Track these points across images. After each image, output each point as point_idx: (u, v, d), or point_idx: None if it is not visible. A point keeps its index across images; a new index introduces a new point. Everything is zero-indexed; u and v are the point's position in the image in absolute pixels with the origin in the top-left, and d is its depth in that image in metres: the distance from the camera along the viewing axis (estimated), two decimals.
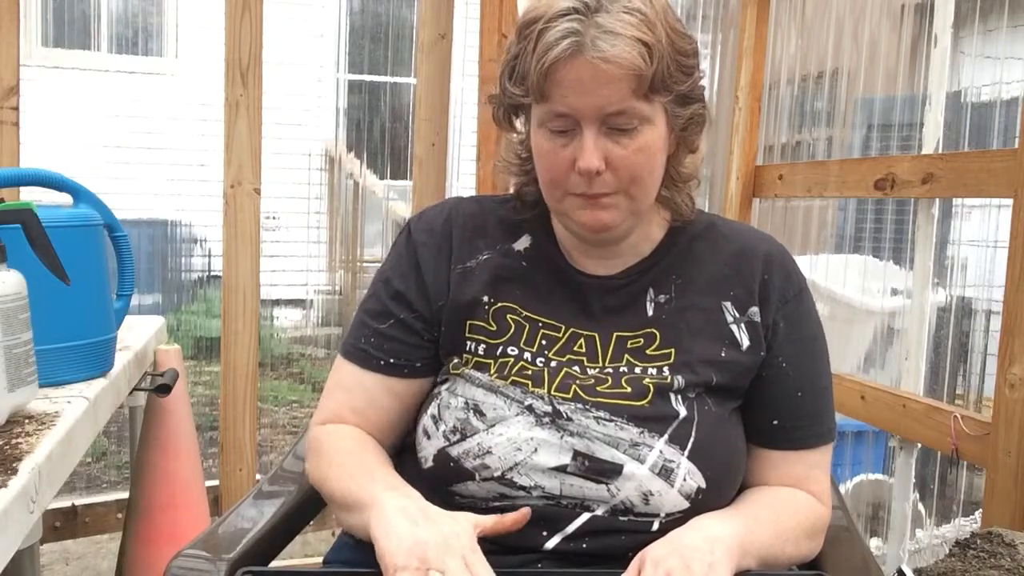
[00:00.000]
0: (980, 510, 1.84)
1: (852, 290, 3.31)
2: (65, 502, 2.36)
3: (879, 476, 2.94)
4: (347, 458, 1.04)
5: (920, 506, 2.74)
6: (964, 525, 2.75)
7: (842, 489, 2.64)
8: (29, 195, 1.56)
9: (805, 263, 3.31)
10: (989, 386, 2.87)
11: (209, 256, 6.08)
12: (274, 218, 5.42)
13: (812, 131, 3.25)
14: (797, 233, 3.23)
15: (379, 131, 6.58)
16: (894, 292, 3.28)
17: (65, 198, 1.37)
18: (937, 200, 2.06)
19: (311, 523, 1.30)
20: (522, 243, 1.09)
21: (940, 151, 2.05)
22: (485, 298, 1.05)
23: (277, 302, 5.87)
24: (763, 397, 1.04)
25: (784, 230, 3.17)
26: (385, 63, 6.95)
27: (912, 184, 2.00)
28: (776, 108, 3.07)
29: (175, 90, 6.29)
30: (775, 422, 1.04)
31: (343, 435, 1.08)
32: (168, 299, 5.95)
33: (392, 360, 1.07)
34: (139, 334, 1.76)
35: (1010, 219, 1.67)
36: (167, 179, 5.81)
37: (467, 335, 1.05)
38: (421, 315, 1.07)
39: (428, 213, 1.13)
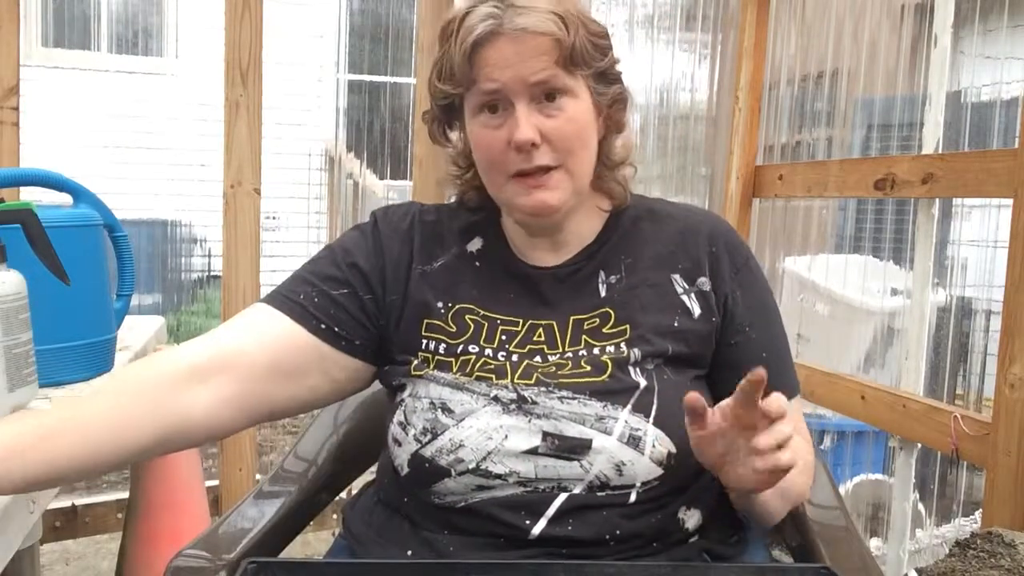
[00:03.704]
0: (980, 510, 1.84)
1: (852, 290, 3.30)
2: (65, 502, 2.36)
3: (879, 476, 2.94)
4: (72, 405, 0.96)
5: (920, 506, 2.74)
6: (964, 525, 2.75)
7: (842, 489, 2.64)
8: (29, 195, 1.56)
9: (805, 263, 3.31)
10: (989, 386, 2.87)
11: (209, 256, 6.08)
12: (274, 218, 5.41)
13: (812, 131, 3.25)
14: (797, 233, 3.23)
15: (379, 131, 6.57)
16: (894, 292, 3.28)
17: (65, 198, 1.37)
18: (937, 200, 2.06)
19: (311, 523, 1.30)
20: (474, 245, 1.12)
21: (940, 151, 2.05)
22: (440, 304, 1.07)
23: None
24: (732, 364, 1.06)
25: (784, 230, 3.17)
26: (385, 63, 6.94)
27: (912, 184, 2.00)
28: (776, 108, 3.06)
29: (175, 90, 6.28)
30: None
31: (126, 375, 1.04)
32: (168, 299, 5.94)
33: (336, 328, 1.05)
34: (139, 334, 1.76)
35: (1010, 219, 1.67)
36: (167, 179, 5.80)
37: (423, 333, 1.06)
38: (375, 299, 1.08)
39: (394, 211, 1.15)
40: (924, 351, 2.12)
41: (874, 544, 2.60)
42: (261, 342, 1.02)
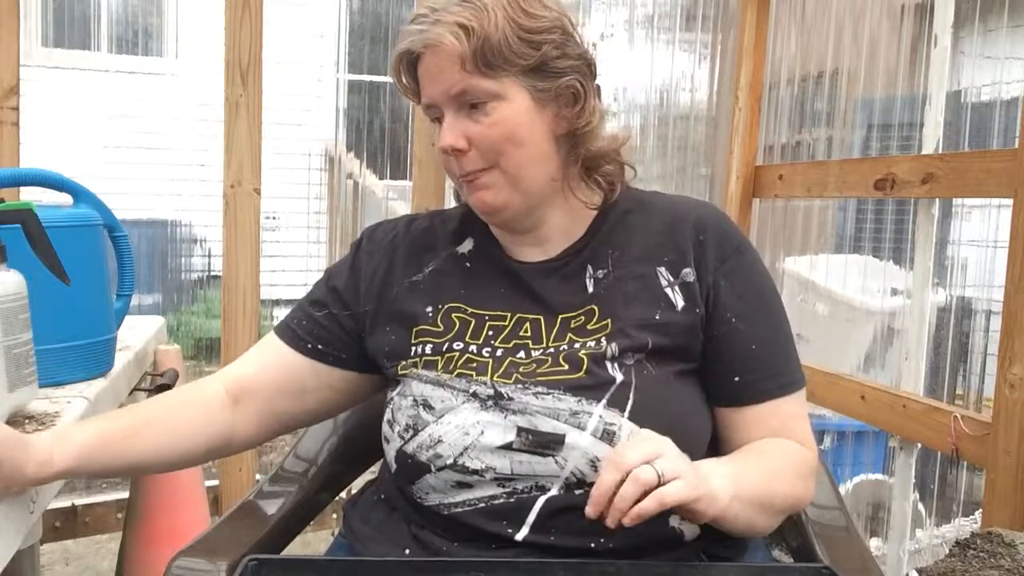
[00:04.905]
0: (980, 510, 1.84)
1: (852, 290, 3.30)
2: (65, 502, 2.36)
3: (879, 476, 2.94)
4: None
5: (920, 506, 2.73)
6: (964, 525, 2.75)
7: (842, 489, 2.64)
8: (29, 195, 1.56)
9: (805, 263, 3.31)
10: (989, 386, 2.87)
11: (209, 256, 6.07)
12: (274, 218, 5.40)
13: (812, 131, 3.25)
14: (797, 233, 3.23)
15: (379, 131, 6.57)
16: (894, 292, 3.28)
17: (65, 198, 1.37)
18: (937, 200, 2.06)
19: (311, 523, 1.30)
20: (465, 246, 1.14)
21: (940, 151, 2.05)
22: (429, 309, 1.09)
23: (277, 302, 5.86)
24: (721, 356, 1.05)
25: (784, 230, 3.16)
26: (385, 63, 6.92)
27: (912, 184, 2.00)
28: (776, 108, 3.06)
29: (175, 90, 6.28)
30: (737, 379, 1.05)
31: (169, 397, 1.15)
32: (168, 299, 5.94)
33: (320, 347, 1.14)
34: (139, 334, 1.76)
35: (1010, 219, 1.68)
36: (167, 179, 5.80)
37: (413, 341, 1.08)
38: (352, 315, 1.13)
39: (381, 228, 1.19)
40: (924, 351, 2.12)
41: (874, 544, 2.60)
42: (266, 368, 1.14)
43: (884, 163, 2.13)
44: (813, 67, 3.11)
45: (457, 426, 1.00)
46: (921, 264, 2.10)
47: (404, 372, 1.06)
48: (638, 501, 0.85)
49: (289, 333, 1.14)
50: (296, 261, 5.72)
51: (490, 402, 1.00)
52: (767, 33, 2.65)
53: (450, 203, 2.29)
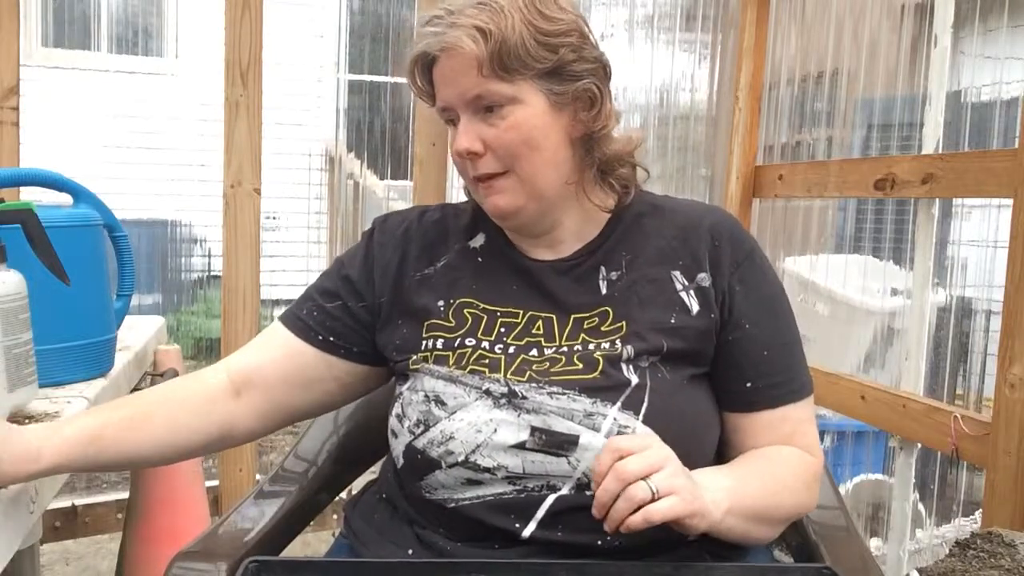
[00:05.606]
0: (980, 510, 1.84)
1: (852, 290, 3.31)
2: (65, 502, 2.36)
3: (879, 476, 2.94)
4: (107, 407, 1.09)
5: (920, 506, 2.74)
6: (964, 525, 2.75)
7: (842, 489, 2.64)
8: (29, 195, 1.56)
9: (805, 263, 3.31)
10: (989, 386, 2.87)
11: (209, 256, 6.07)
12: (274, 218, 5.40)
13: (812, 131, 3.25)
14: (797, 233, 3.23)
15: (379, 131, 6.57)
16: (894, 292, 3.28)
17: (65, 198, 1.37)
18: (937, 200, 2.07)
19: (311, 523, 1.30)
20: (477, 241, 1.13)
21: (940, 151, 2.05)
22: (441, 303, 1.08)
23: (277, 302, 5.85)
24: (733, 361, 1.05)
25: (784, 230, 3.17)
26: (385, 63, 6.93)
27: (912, 184, 2.00)
28: (776, 108, 3.06)
29: (175, 90, 6.28)
30: (748, 384, 1.05)
31: (164, 389, 1.12)
32: (168, 299, 5.94)
33: (332, 339, 1.11)
34: (139, 334, 1.76)
35: (1010, 219, 1.68)
36: (167, 179, 5.80)
37: (424, 335, 1.07)
38: (368, 306, 1.12)
39: (393, 218, 1.17)
40: (924, 351, 2.12)
41: (874, 544, 2.60)
42: (273, 359, 1.12)
43: (884, 163, 2.13)
44: (813, 67, 3.11)
45: (470, 423, 1.00)
46: (921, 264, 2.10)
47: (415, 367, 1.06)
48: (632, 513, 0.87)
49: (298, 324, 1.12)
50: (296, 261, 5.71)
51: (503, 400, 1.00)
52: (767, 33, 2.66)
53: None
